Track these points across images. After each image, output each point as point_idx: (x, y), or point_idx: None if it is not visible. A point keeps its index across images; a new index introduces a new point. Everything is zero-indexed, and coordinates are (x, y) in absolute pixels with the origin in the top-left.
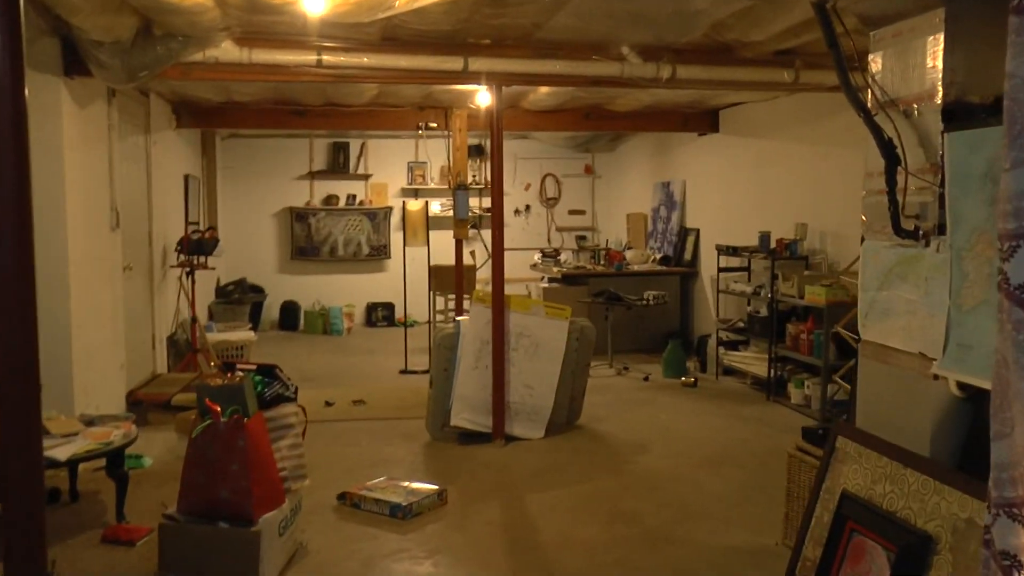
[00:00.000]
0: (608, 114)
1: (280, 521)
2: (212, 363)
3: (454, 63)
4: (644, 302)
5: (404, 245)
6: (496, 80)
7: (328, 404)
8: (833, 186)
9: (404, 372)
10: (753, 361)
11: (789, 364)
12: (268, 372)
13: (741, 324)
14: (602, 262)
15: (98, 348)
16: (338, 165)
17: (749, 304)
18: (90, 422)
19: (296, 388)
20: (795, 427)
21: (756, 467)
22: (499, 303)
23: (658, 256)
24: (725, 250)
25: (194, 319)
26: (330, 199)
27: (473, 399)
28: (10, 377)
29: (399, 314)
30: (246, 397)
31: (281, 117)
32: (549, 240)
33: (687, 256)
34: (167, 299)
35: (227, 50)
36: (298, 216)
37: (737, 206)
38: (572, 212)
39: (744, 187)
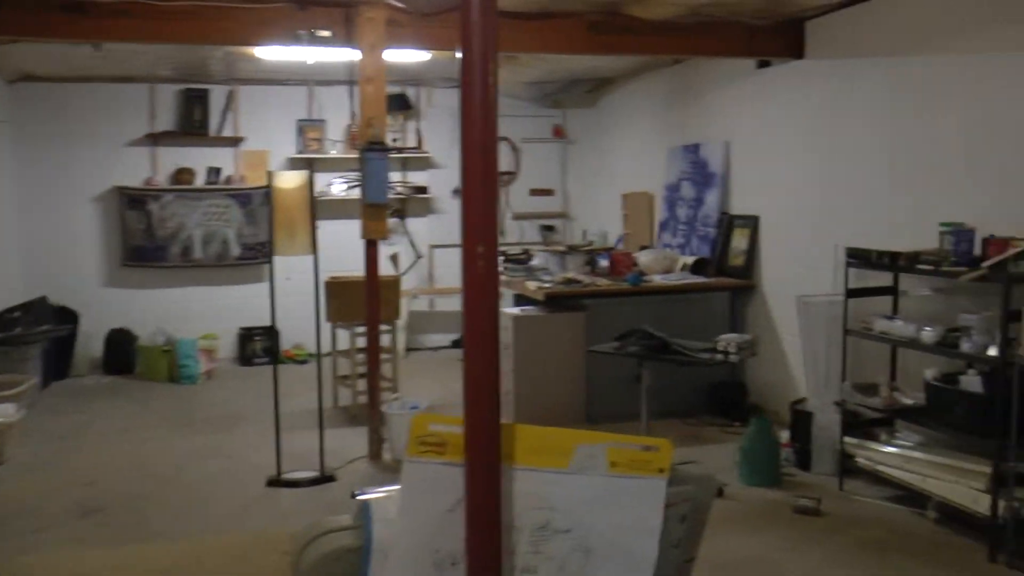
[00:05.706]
0: (630, 24)
1: None
2: None
3: None
4: (720, 355)
5: (270, 251)
6: None
7: None
8: None
9: (274, 483)
10: (933, 471)
11: None
12: None
13: (907, 401)
14: (599, 270)
15: None
16: (193, 124)
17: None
18: None
19: None
20: None
21: None
22: (487, 449)
23: (689, 260)
24: (862, 259)
25: None
26: (182, 175)
27: None
28: None
29: (287, 345)
30: None
31: (40, 16)
32: (502, 232)
33: (734, 260)
34: None
35: None
36: (132, 201)
37: (841, 180)
38: (535, 192)
39: (856, 147)
